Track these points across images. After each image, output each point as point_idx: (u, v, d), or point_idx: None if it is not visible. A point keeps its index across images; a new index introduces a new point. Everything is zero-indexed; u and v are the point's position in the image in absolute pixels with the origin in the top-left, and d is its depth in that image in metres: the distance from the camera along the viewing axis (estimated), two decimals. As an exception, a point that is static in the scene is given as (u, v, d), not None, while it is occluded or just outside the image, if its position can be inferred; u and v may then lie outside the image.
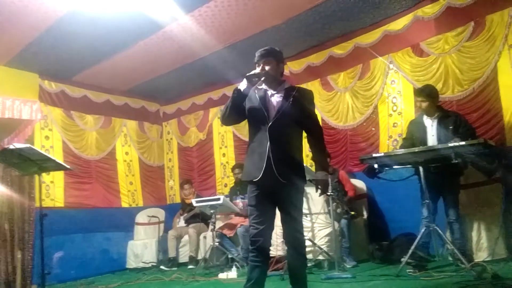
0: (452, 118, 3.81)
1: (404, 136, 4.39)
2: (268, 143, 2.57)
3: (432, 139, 3.86)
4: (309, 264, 4.22)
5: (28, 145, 3.15)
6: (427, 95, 3.88)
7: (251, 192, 2.66)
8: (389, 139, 5.08)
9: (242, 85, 2.65)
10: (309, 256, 4.37)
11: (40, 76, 5.85)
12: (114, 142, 6.80)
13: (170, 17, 4.57)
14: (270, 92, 2.72)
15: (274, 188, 2.58)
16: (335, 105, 5.60)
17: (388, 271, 3.83)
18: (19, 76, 5.61)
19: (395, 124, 5.06)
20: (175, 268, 5.69)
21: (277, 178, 2.53)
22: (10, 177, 5.92)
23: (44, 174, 5.48)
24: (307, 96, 2.77)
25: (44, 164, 3.24)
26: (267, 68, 2.67)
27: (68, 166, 3.67)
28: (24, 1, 4.05)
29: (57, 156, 5.82)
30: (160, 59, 5.72)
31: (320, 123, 2.94)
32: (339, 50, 5.49)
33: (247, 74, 2.64)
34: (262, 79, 2.66)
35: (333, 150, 5.45)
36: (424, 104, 3.88)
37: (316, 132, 2.75)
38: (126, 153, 6.98)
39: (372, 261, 4.48)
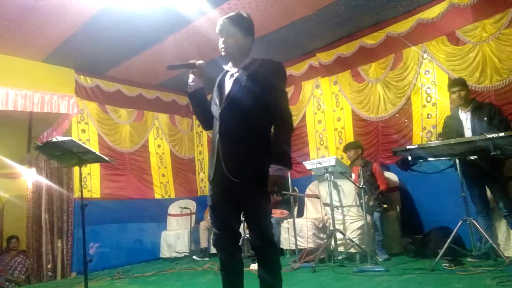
0: (486, 109, 3.78)
1: (439, 131, 4.30)
2: (217, 135, 2.11)
3: (468, 132, 3.82)
4: (340, 257, 4.20)
5: (69, 138, 3.26)
6: (463, 83, 3.93)
7: (208, 192, 2.20)
8: (423, 130, 4.95)
9: (189, 84, 2.29)
10: (341, 248, 4.36)
11: (76, 71, 6.04)
12: (147, 135, 6.96)
13: (199, 11, 4.61)
14: (229, 73, 2.25)
15: (229, 187, 2.07)
16: (366, 96, 5.50)
17: (422, 265, 3.77)
18: (56, 72, 5.81)
19: (429, 115, 4.93)
20: (207, 259, 5.79)
21: (228, 176, 2.04)
22: (49, 169, 6.20)
23: (81, 166, 5.70)
24: (270, 70, 2.14)
25: (84, 156, 3.35)
26: (230, 40, 2.20)
27: (107, 159, 3.77)
28: (61, -1, 4.19)
29: (93, 148, 5.99)
30: (190, 53, 5.76)
31: (287, 106, 2.18)
32: (370, 40, 5.39)
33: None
34: (195, 69, 2.30)
35: (364, 142, 5.36)
36: (463, 93, 3.88)
37: (277, 115, 2.08)
38: (158, 146, 7.13)
39: (405, 255, 4.40)
